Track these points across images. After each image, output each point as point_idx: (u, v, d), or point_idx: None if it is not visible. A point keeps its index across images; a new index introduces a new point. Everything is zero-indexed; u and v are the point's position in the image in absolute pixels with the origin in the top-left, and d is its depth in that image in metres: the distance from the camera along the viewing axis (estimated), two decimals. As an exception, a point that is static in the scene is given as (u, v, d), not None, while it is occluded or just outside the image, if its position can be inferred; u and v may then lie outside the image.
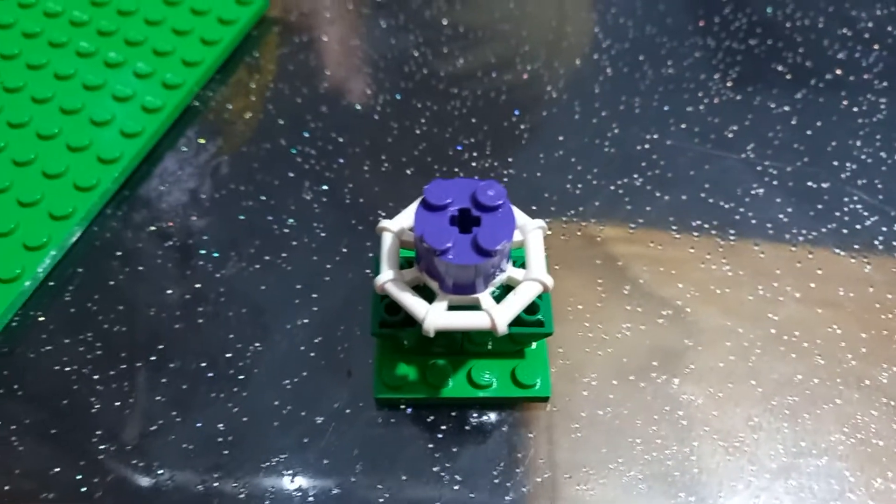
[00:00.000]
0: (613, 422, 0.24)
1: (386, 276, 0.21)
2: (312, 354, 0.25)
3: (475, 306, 0.21)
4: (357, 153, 0.30)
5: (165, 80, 0.31)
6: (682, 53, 0.34)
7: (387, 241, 0.22)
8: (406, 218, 0.22)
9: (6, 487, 0.23)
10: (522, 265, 0.22)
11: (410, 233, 0.22)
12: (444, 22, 0.35)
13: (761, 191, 0.29)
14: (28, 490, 0.23)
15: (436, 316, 0.20)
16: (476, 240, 0.19)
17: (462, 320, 0.20)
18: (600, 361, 0.25)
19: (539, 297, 0.22)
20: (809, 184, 0.29)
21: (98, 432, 0.24)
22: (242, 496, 0.23)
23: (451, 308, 0.21)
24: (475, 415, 0.24)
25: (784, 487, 0.23)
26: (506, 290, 0.22)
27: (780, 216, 0.28)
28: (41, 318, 0.26)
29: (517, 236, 0.22)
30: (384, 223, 0.22)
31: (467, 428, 0.24)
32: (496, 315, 0.20)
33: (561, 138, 0.31)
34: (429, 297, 0.21)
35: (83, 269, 0.27)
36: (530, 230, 0.22)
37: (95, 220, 0.28)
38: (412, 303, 0.21)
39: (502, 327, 0.20)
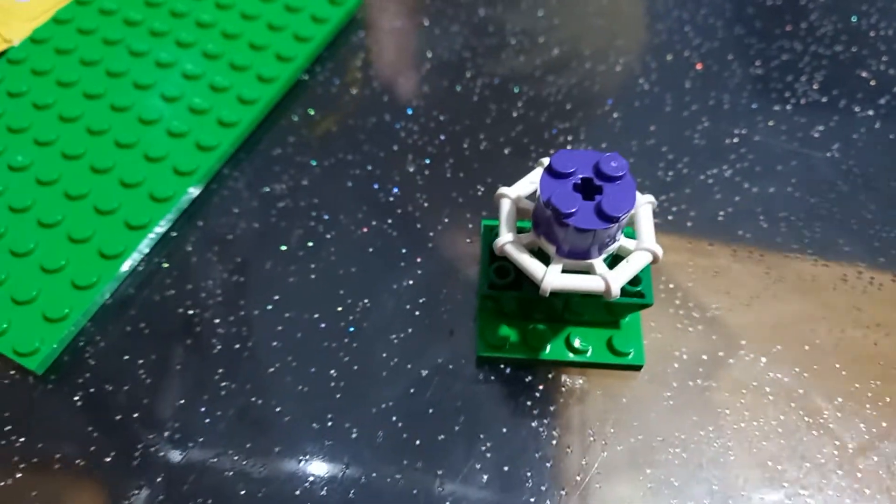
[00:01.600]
0: (703, 393, 0.25)
1: (506, 238, 0.23)
2: (417, 313, 0.27)
3: (588, 271, 0.22)
4: (457, 131, 0.32)
5: (279, 52, 0.33)
6: (770, 55, 0.35)
7: (505, 206, 0.23)
8: (522, 187, 0.24)
9: (135, 415, 0.25)
10: (628, 238, 0.23)
11: (526, 201, 0.24)
12: (540, 14, 0.37)
13: (846, 188, 0.30)
14: (155, 420, 0.25)
15: (553, 277, 0.22)
16: (600, 206, 0.21)
17: (578, 282, 0.22)
18: (691, 337, 0.26)
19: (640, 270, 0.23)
20: (892, 184, 0.31)
21: (220, 370, 0.26)
22: (354, 436, 0.24)
23: (564, 271, 0.22)
24: (571, 378, 0.26)
25: (864, 464, 0.24)
26: (614, 259, 0.24)
27: (863, 212, 0.30)
28: (165, 265, 0.28)
29: None
30: (503, 190, 0.24)
31: (563, 389, 0.25)
32: (611, 279, 0.22)
33: (652, 128, 0.32)
34: (543, 261, 0.23)
35: (202, 223, 0.29)
36: (641, 204, 0.23)
37: (213, 179, 0.30)
38: (530, 264, 0.22)
39: (616, 291, 0.22)
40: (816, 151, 0.32)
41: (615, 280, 0.22)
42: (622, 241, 0.23)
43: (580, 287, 0.22)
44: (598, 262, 0.22)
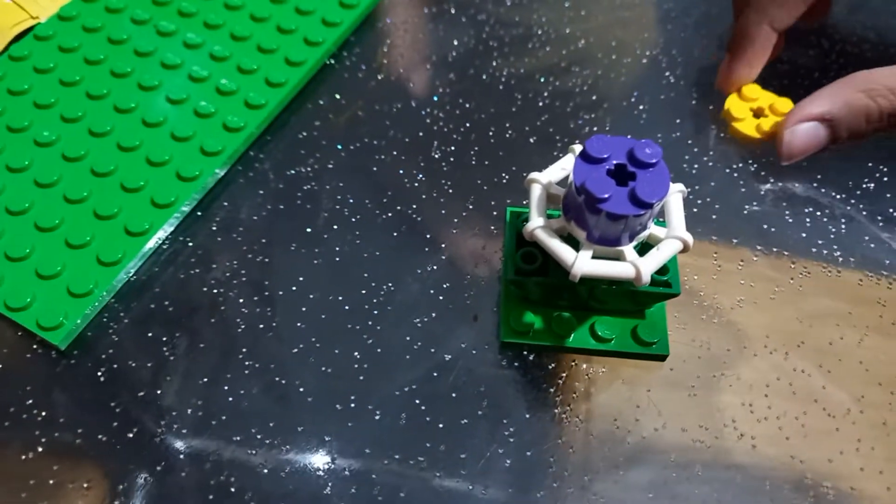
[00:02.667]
0: (727, 386, 0.25)
1: (536, 223, 0.23)
2: (441, 298, 0.27)
3: (617, 258, 0.22)
4: (482, 119, 0.32)
5: (307, 37, 0.33)
6: (797, 52, 0.35)
7: (536, 191, 0.23)
8: (553, 173, 0.24)
9: (158, 392, 0.25)
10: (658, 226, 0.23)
11: (557, 187, 0.24)
12: (567, 4, 0.37)
13: (872, 185, 0.30)
14: (179, 397, 0.25)
15: (584, 262, 0.22)
16: (634, 192, 0.21)
17: (608, 268, 0.22)
18: (715, 330, 0.26)
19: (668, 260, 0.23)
20: (919, 184, 0.30)
21: (243, 350, 0.26)
22: (377, 418, 0.24)
23: (594, 258, 0.22)
24: (594, 367, 0.25)
25: (886, 460, 0.24)
26: (643, 247, 0.23)
27: (891, 210, 0.29)
28: (190, 244, 0.28)
29: None
30: (534, 175, 0.24)
31: (587, 377, 0.25)
32: (641, 266, 0.22)
33: (678, 121, 0.32)
34: (572, 247, 0.23)
35: (228, 203, 0.29)
36: (672, 192, 0.23)
37: (240, 160, 0.30)
38: (561, 249, 0.22)
39: (646, 278, 0.22)
40: (846, 150, 0.31)
41: (645, 267, 0.22)
42: (652, 229, 0.23)
43: (610, 273, 0.22)
44: (629, 249, 0.22)
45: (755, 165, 0.31)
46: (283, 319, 0.26)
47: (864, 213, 0.29)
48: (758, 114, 0.30)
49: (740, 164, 0.31)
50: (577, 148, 0.24)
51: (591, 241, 0.22)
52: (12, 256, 0.27)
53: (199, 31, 0.33)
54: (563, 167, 0.24)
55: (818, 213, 0.29)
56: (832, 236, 0.29)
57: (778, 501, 0.23)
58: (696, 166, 0.30)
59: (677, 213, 0.23)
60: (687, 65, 0.34)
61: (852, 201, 0.30)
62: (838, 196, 0.30)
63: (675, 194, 0.23)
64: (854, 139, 0.27)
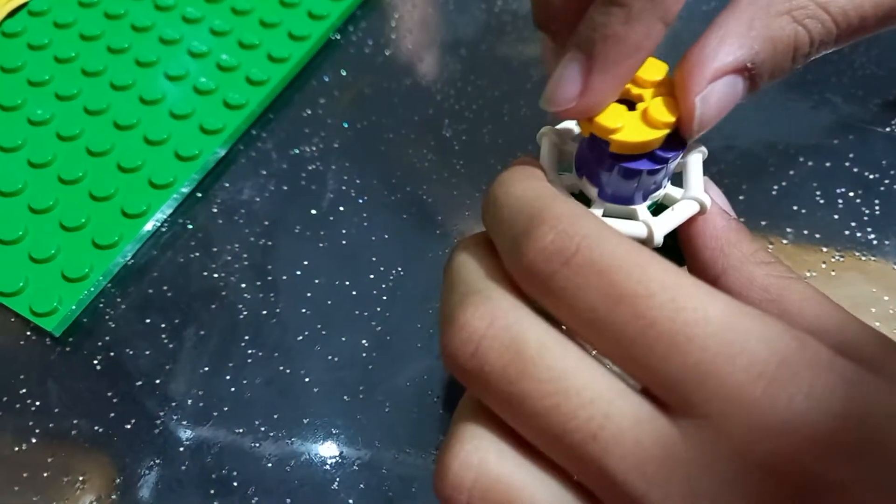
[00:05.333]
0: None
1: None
2: (453, 283, 0.26)
3: (630, 217, 0.21)
4: (496, 96, 0.30)
5: (311, 10, 0.32)
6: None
7: (546, 146, 0.22)
8: (566, 127, 0.22)
9: (157, 381, 0.24)
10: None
11: (571, 142, 0.22)
12: (583, -23, 0.35)
13: (906, 166, 0.29)
14: (178, 387, 0.24)
15: None
16: None
17: (619, 227, 0.20)
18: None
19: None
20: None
21: (246, 337, 0.25)
22: (387, 410, 0.23)
23: (605, 216, 0.21)
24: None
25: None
26: (658, 208, 0.22)
27: (927, 192, 0.28)
28: (189, 226, 0.27)
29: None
30: (545, 129, 0.22)
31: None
32: (654, 226, 0.20)
33: (701, 98, 0.30)
34: (585, 205, 0.21)
35: (229, 184, 0.28)
36: (691, 152, 0.22)
37: (241, 138, 0.29)
38: None
39: (658, 238, 0.20)
40: (875, 126, 0.30)
41: (658, 227, 0.20)
42: (668, 189, 0.22)
43: (621, 232, 0.21)
44: (642, 209, 0.21)
45: (782, 144, 0.29)
46: (288, 306, 0.25)
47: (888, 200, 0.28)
48: (631, 102, 0.19)
49: (768, 144, 0.29)
50: None
51: (604, 199, 0.21)
52: (4, 239, 0.26)
53: (199, 6, 0.32)
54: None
55: (850, 194, 0.28)
56: (866, 218, 0.27)
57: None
58: (723, 144, 0.29)
59: (696, 173, 0.21)
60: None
61: (886, 181, 0.28)
62: (872, 176, 0.28)
63: (695, 154, 0.22)
64: (773, 80, 0.19)
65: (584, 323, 0.15)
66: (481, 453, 0.15)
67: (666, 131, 0.19)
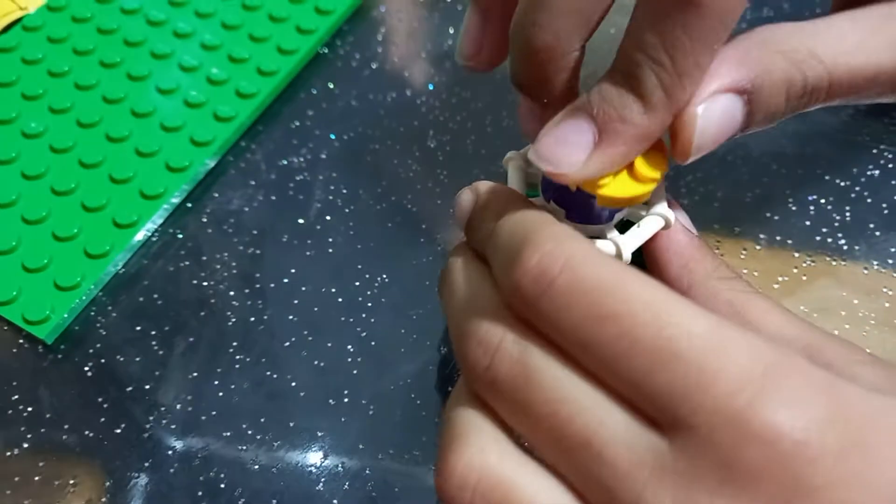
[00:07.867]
0: (730, 376, 0.24)
1: None
2: (437, 290, 0.26)
3: (598, 236, 0.22)
4: (480, 108, 0.31)
5: (299, 25, 0.32)
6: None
7: (513, 171, 0.23)
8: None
9: (146, 387, 0.24)
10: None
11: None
12: (564, -8, 0.36)
13: (877, 172, 0.30)
14: (168, 392, 0.24)
15: None
16: None
17: None
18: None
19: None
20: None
21: (234, 343, 0.25)
22: (371, 413, 0.24)
23: None
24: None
25: None
26: (624, 225, 0.23)
27: (897, 199, 0.29)
28: (179, 236, 0.28)
29: None
30: (511, 154, 0.23)
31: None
32: (622, 244, 0.21)
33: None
34: None
35: (218, 195, 0.29)
36: None
37: (231, 150, 0.30)
38: None
39: (627, 256, 0.21)
40: (847, 135, 0.31)
41: (626, 245, 0.21)
42: (633, 207, 0.22)
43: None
44: (609, 227, 0.22)
45: (757, 152, 0.30)
46: (275, 312, 0.26)
47: (869, 200, 0.29)
48: None
49: (742, 152, 0.30)
50: None
51: (572, 220, 0.22)
52: (-2, 249, 0.26)
53: (190, 21, 0.33)
54: None
55: (822, 201, 0.29)
56: (836, 224, 0.28)
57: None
58: (697, 154, 0.30)
59: (658, 190, 0.22)
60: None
61: (857, 188, 0.29)
62: (843, 183, 0.29)
63: None
64: (762, 126, 0.20)
65: (573, 342, 0.15)
66: (485, 454, 0.16)
67: (653, 185, 0.19)
